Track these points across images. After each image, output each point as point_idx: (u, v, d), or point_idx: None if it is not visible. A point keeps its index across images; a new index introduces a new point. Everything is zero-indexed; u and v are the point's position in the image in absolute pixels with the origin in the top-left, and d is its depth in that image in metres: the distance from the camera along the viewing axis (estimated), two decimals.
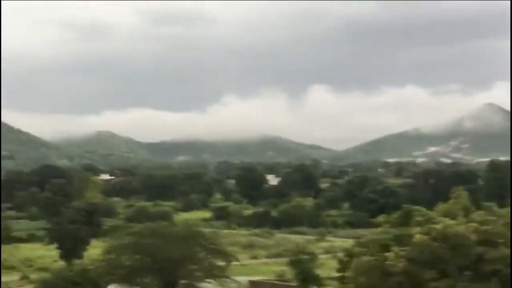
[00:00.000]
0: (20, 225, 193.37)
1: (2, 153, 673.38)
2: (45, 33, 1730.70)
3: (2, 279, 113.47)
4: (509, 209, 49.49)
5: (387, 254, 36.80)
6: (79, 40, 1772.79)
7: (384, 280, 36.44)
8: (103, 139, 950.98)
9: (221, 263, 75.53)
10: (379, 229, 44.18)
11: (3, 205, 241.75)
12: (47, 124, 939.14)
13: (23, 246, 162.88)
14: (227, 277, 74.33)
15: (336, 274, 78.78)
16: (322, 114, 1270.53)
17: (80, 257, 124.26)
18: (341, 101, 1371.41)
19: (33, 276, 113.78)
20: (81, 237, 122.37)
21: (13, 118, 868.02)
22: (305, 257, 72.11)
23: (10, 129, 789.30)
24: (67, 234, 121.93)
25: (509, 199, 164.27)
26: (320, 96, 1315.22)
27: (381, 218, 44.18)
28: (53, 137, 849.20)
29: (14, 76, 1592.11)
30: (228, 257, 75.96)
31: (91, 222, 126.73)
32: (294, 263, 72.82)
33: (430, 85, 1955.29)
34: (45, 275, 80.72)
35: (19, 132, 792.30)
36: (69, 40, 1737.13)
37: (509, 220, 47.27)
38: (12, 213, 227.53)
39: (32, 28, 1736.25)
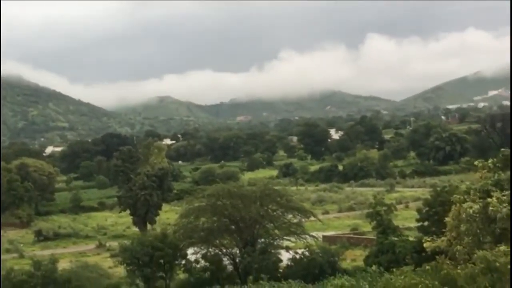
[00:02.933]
0: (88, 194, 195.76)
1: (64, 124, 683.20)
2: (102, 3, 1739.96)
3: (79, 248, 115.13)
4: None
5: (488, 200, 35.49)
6: (136, 7, 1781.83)
7: (488, 226, 35.29)
8: (162, 104, 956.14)
9: (298, 219, 74.93)
10: (476, 174, 42.64)
11: (71, 175, 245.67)
12: (108, 93, 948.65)
13: (93, 214, 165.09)
14: (305, 233, 73.72)
15: (414, 224, 77.85)
16: (380, 65, 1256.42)
17: (152, 222, 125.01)
18: (399, 50, 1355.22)
19: (109, 243, 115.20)
20: (153, 202, 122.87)
21: (74, 90, 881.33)
22: (383, 208, 70.62)
23: (71, 100, 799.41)
24: (139, 200, 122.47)
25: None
26: (377, 46, 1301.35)
27: (477, 162, 42.43)
28: (114, 105, 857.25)
29: (73, 48, 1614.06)
30: (305, 213, 75.28)
31: (161, 187, 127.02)
32: (371, 215, 71.53)
33: (491, 27, 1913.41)
34: (124, 241, 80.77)
35: (79, 103, 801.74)
36: (126, 8, 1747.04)
37: None
38: (79, 182, 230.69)
39: (89, 1, 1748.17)
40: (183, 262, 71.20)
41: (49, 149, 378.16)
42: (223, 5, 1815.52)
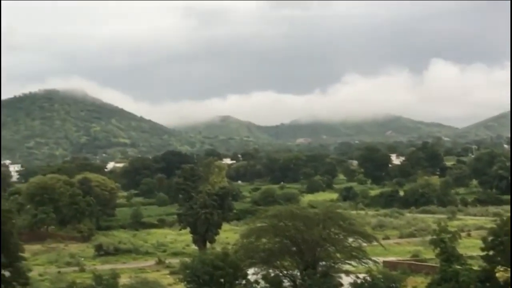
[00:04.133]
0: (148, 211, 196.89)
1: (125, 140, 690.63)
2: (166, 21, 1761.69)
3: (138, 264, 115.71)
4: None
5: None
6: (200, 26, 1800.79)
7: None
8: (223, 124, 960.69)
9: (360, 244, 74.27)
10: None
11: (131, 191, 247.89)
12: (171, 111, 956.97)
13: (153, 231, 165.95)
14: (367, 257, 72.98)
15: (477, 253, 76.39)
16: (443, 91, 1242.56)
17: (212, 241, 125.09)
18: (463, 76, 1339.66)
19: (168, 260, 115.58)
20: (213, 221, 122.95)
21: (136, 107, 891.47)
22: (447, 235, 69.46)
23: (133, 117, 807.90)
24: (199, 218, 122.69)
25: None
26: (441, 72, 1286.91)
27: None
28: (176, 123, 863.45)
29: (136, 66, 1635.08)
30: (367, 237, 74.57)
31: (222, 206, 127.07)
32: (435, 242, 70.35)
33: None
34: (185, 259, 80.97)
35: (141, 120, 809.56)
36: (190, 27, 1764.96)
37: None
38: (140, 199, 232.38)
39: (154, 18, 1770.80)
40: (244, 282, 70.97)
41: (110, 165, 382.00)
42: (289, 26, 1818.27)
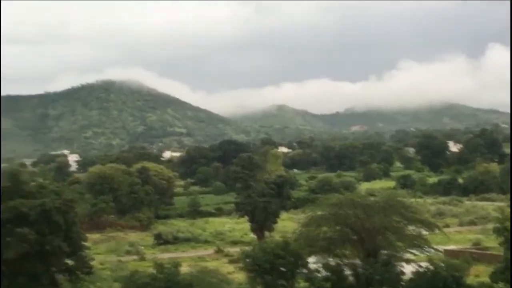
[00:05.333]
0: (206, 200, 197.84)
1: (181, 130, 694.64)
2: (221, 11, 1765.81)
3: (197, 253, 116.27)
4: None
5: None
6: (255, 16, 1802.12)
7: None
8: (278, 113, 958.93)
9: (422, 232, 73.47)
10: None
11: (188, 180, 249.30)
12: (227, 100, 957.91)
13: (211, 220, 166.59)
14: (428, 246, 72.17)
15: None
16: (500, 77, 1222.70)
17: (270, 229, 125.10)
18: None
19: (227, 249, 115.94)
20: (271, 210, 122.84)
21: (193, 96, 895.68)
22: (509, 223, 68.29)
23: (189, 106, 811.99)
24: (258, 207, 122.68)
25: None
26: (499, 57, 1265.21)
27: None
28: (231, 112, 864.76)
29: (193, 56, 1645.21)
30: (429, 226, 73.73)
31: (280, 195, 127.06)
32: (498, 230, 69.24)
33: None
34: (246, 247, 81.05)
35: (197, 109, 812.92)
36: (245, 17, 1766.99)
37: None
38: (196, 188, 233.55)
39: (209, 8, 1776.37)
40: (304, 271, 70.76)
41: (166, 154, 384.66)
42: (344, 13, 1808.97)
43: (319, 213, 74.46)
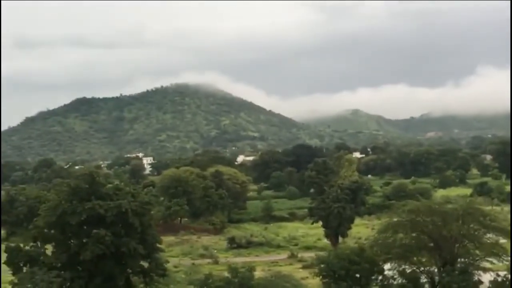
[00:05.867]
0: (279, 204, 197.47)
1: (254, 134, 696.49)
2: (295, 15, 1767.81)
3: (270, 257, 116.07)
4: None
5: None
6: (330, 20, 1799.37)
7: None
8: (352, 118, 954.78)
9: (500, 240, 71.79)
10: None
11: (261, 185, 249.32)
12: (301, 105, 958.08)
13: (284, 224, 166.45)
14: (508, 255, 70.37)
15: None
16: None
17: (344, 235, 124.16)
18: None
19: (300, 254, 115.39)
20: (345, 215, 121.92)
21: (268, 101, 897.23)
22: None
23: (262, 110, 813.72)
24: (332, 212, 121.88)
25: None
26: None
27: None
28: (305, 117, 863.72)
29: (268, 60, 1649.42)
30: (509, 234, 71.88)
31: (355, 200, 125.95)
32: None
33: None
34: (321, 253, 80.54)
35: (270, 113, 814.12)
36: (319, 21, 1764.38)
37: None
38: (269, 192, 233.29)
39: (283, 12, 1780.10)
40: (380, 277, 69.84)
41: (240, 158, 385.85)
42: (422, 18, 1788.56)
43: (396, 219, 73.40)
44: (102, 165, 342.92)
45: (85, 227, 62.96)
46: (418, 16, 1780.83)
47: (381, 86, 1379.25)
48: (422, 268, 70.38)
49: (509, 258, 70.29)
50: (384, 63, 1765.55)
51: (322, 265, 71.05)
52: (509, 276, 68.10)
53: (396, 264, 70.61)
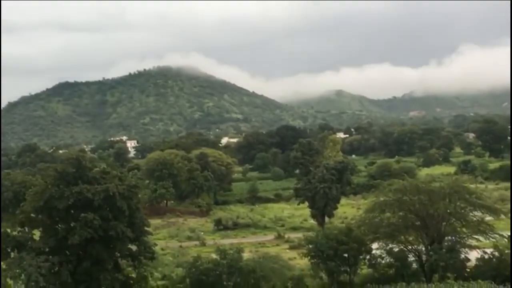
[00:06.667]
0: (264, 186, 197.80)
1: (238, 116, 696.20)
2: None
3: (257, 239, 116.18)
4: None
5: None
6: (313, 1, 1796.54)
7: None
8: (335, 98, 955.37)
9: (487, 218, 72.27)
10: None
11: (246, 166, 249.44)
12: (284, 86, 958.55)
13: (270, 206, 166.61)
14: (495, 232, 70.81)
15: None
16: None
17: (331, 215, 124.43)
18: None
19: (287, 235, 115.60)
20: (331, 196, 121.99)
21: (252, 83, 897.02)
22: None
23: (245, 92, 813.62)
24: (318, 193, 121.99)
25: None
26: None
27: None
28: (288, 98, 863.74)
29: (252, 42, 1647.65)
30: (495, 212, 72.41)
31: (341, 181, 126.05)
32: None
33: None
34: (309, 233, 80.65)
35: (253, 95, 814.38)
36: (303, 2, 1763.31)
37: None
38: (255, 174, 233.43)
39: None
40: (368, 257, 70.20)
41: (224, 140, 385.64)
42: None
43: (382, 199, 73.70)
44: (86, 149, 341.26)
45: (72, 211, 62.61)
46: None
47: (365, 66, 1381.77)
48: (409, 247, 70.77)
49: (496, 235, 70.75)
50: (368, 43, 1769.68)
51: (310, 246, 71.28)
52: (496, 253, 68.56)
53: (383, 244, 70.97)
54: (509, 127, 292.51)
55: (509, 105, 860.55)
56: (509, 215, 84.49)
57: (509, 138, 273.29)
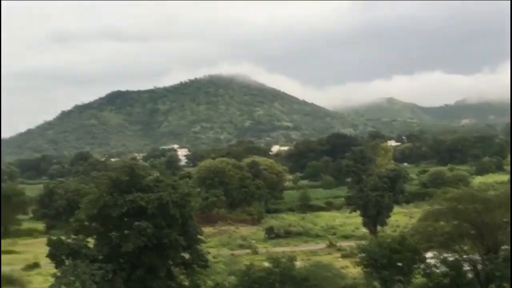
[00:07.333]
0: (315, 194, 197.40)
1: (288, 124, 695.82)
2: (329, 4, 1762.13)
3: (309, 247, 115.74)
4: None
5: None
6: (363, 7, 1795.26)
7: None
8: (385, 106, 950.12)
9: None
10: None
11: (297, 174, 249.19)
12: (334, 94, 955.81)
13: (321, 214, 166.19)
14: None
15: None
16: None
17: (383, 224, 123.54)
18: None
19: (339, 243, 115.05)
20: (384, 204, 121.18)
21: (303, 91, 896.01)
22: None
23: (295, 100, 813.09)
24: (370, 201, 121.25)
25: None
26: None
27: None
28: (338, 106, 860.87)
29: (300, 50, 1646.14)
30: None
31: (393, 189, 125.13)
32: None
33: None
34: (362, 242, 79.97)
35: (303, 103, 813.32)
36: (353, 9, 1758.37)
37: None
38: (305, 182, 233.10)
39: (316, 3, 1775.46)
40: (422, 266, 69.33)
41: (274, 148, 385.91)
42: (457, 3, 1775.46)
43: (436, 207, 72.80)
44: (138, 158, 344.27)
45: (126, 219, 63.05)
46: (454, 1, 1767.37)
47: (417, 73, 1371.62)
48: (464, 256, 69.68)
49: None
50: (420, 50, 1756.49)
51: (363, 254, 70.72)
52: None
53: (438, 253, 70.07)
54: None
55: None
56: None
57: None
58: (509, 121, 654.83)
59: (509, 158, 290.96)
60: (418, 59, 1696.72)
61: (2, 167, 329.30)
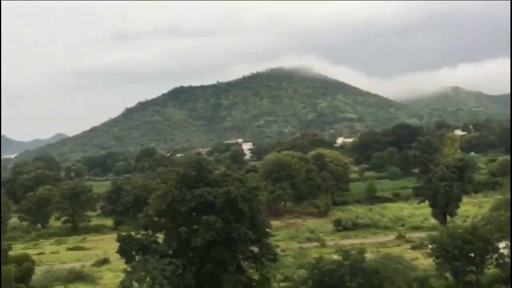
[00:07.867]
0: (381, 185, 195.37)
1: (352, 115, 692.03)
2: None
3: (378, 239, 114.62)
4: None
5: None
6: None
7: None
8: (451, 95, 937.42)
9: None
10: None
11: (362, 166, 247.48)
12: (399, 84, 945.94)
13: (388, 205, 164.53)
14: None
15: None
16: None
17: (452, 214, 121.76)
18: None
19: (408, 235, 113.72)
20: (453, 194, 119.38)
21: (366, 83, 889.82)
22: None
23: (358, 91, 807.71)
24: (439, 191, 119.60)
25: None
26: None
27: None
28: (402, 96, 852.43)
29: (364, 40, 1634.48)
30: None
31: (461, 179, 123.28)
32: None
33: None
34: (433, 233, 78.68)
35: (367, 94, 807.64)
36: None
37: None
38: (371, 173, 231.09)
39: None
40: (495, 256, 68.06)
41: (339, 140, 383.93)
42: None
43: (507, 196, 71.52)
44: (203, 152, 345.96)
45: (194, 214, 63.23)
46: None
47: (482, 61, 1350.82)
48: None
49: None
50: (485, 38, 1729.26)
51: (434, 245, 69.74)
52: None
53: (510, 243, 68.76)
54: None
55: None
56: None
57: None
58: None
59: None
60: (484, 46, 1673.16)
61: (69, 164, 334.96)
